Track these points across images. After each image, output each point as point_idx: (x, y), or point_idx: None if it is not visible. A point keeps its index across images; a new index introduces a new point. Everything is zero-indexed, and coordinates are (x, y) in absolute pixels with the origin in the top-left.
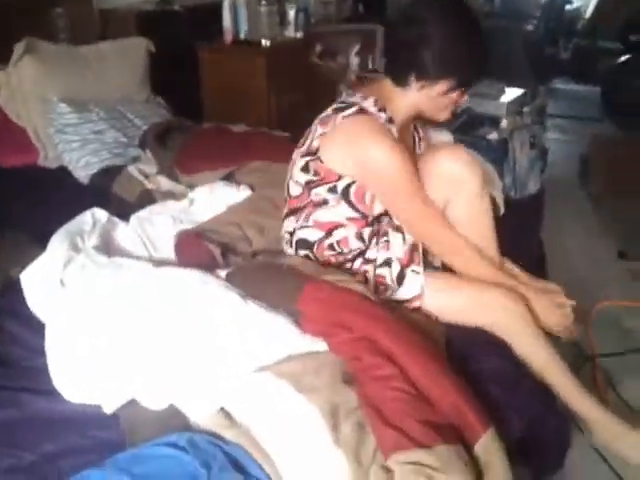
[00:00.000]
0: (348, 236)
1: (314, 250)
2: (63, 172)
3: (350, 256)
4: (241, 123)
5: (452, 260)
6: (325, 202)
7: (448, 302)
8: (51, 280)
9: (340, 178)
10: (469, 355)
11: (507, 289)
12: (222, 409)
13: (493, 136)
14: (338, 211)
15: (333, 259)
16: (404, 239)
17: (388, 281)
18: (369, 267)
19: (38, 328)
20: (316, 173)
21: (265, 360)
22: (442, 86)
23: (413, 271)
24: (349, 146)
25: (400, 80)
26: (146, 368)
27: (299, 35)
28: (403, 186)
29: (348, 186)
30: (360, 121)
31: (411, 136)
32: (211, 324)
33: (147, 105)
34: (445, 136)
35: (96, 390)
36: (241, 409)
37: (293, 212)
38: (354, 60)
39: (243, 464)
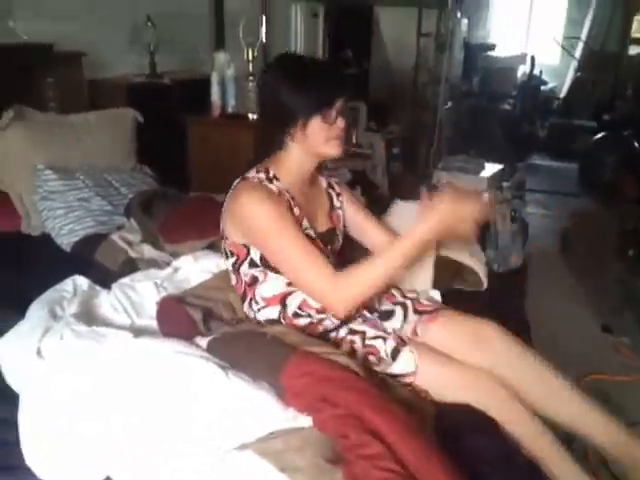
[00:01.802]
0: (304, 298)
1: (285, 324)
2: (46, 239)
3: (324, 316)
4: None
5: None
6: (255, 279)
7: (436, 378)
8: (28, 349)
9: (249, 250)
10: (458, 433)
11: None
12: None
13: None
14: (273, 282)
15: (312, 326)
16: (405, 317)
17: (382, 354)
18: (356, 338)
19: (10, 399)
20: (232, 253)
21: (246, 437)
22: (306, 124)
23: (409, 350)
24: (232, 213)
25: (279, 145)
26: (122, 445)
27: None
28: (273, 234)
29: (262, 255)
30: (238, 188)
31: (323, 192)
32: (190, 398)
33: (133, 174)
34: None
35: (71, 468)
36: None
37: (243, 299)
38: None
39: None
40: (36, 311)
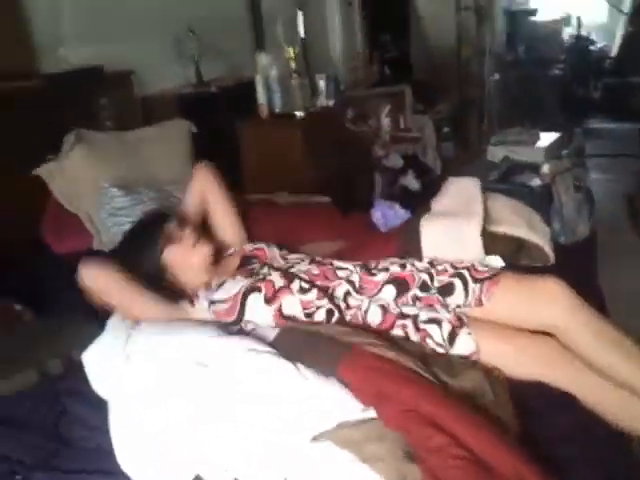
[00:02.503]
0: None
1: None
2: None
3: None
4: (281, 191)
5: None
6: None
7: (501, 356)
8: (115, 356)
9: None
10: (534, 412)
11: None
12: None
13: (535, 183)
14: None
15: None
16: (465, 288)
17: (438, 339)
18: (408, 322)
19: (99, 407)
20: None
21: (321, 428)
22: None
23: (466, 332)
24: None
25: None
26: (207, 443)
27: (331, 103)
28: None
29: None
30: None
31: None
32: (266, 395)
33: None
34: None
35: (162, 469)
36: None
37: None
38: (385, 121)
39: None
40: (116, 322)
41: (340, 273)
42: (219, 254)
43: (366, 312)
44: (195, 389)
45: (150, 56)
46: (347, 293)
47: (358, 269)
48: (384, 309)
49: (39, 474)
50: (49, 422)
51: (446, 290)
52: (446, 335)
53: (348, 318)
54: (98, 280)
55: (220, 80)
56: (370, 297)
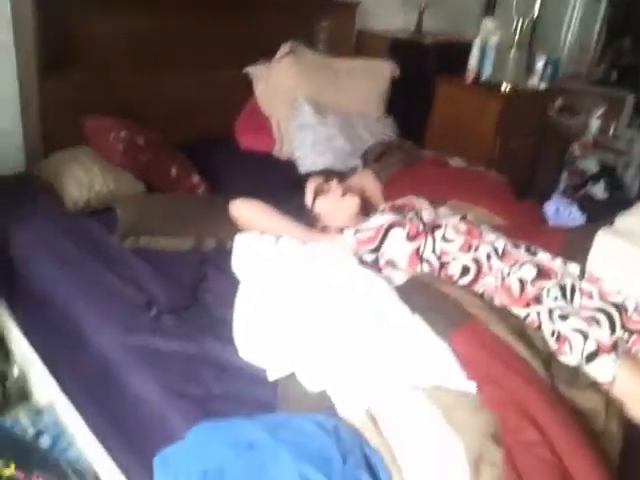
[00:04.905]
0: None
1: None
2: (290, 165)
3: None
4: (459, 158)
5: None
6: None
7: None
8: (262, 244)
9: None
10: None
11: None
12: (368, 412)
13: None
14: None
15: None
16: (612, 330)
17: (576, 350)
18: (543, 310)
19: (235, 285)
20: None
21: (422, 380)
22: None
23: (610, 359)
24: None
25: None
26: (309, 349)
27: (542, 86)
28: None
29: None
30: None
31: None
32: (379, 330)
33: (378, 123)
34: None
35: (264, 355)
36: (387, 419)
37: None
38: (594, 123)
39: (376, 471)
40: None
41: (487, 236)
42: (368, 206)
43: (504, 279)
44: (315, 294)
45: None
46: (489, 256)
47: (506, 240)
48: (522, 283)
49: (168, 318)
50: (190, 282)
51: (591, 321)
52: (588, 351)
53: (483, 281)
54: (241, 208)
55: (438, 35)
56: (510, 267)
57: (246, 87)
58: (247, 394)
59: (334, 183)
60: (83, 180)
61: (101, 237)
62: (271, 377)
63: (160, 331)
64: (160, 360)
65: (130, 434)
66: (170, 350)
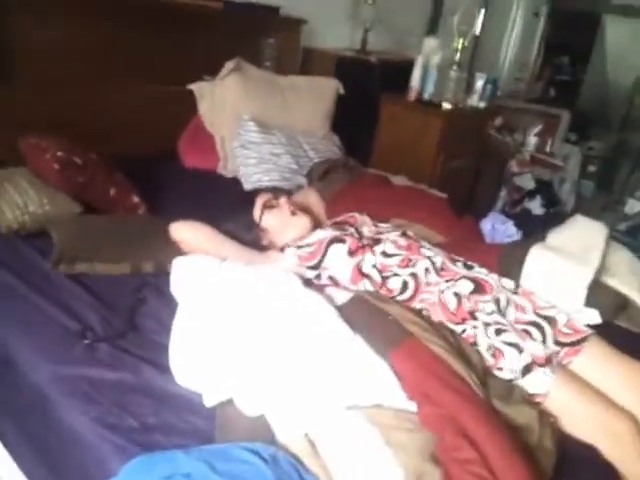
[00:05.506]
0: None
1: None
2: (235, 182)
3: None
4: (403, 176)
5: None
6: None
7: (573, 412)
8: (203, 268)
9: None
10: (572, 473)
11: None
12: (307, 436)
13: None
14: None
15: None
16: (544, 342)
17: (510, 364)
18: (479, 325)
19: (175, 310)
20: None
21: (363, 400)
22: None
23: (544, 372)
24: None
25: None
26: (247, 372)
27: (481, 105)
28: None
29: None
30: None
31: None
32: (319, 351)
33: (323, 140)
34: None
35: (201, 381)
36: (326, 443)
37: None
38: (532, 140)
39: None
40: None
41: (425, 251)
42: (314, 224)
43: (442, 293)
44: (255, 316)
45: (325, 11)
46: (427, 270)
47: (444, 255)
48: (458, 298)
49: (103, 346)
50: (127, 307)
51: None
52: (522, 365)
53: (421, 297)
54: (180, 231)
55: (382, 53)
56: (447, 282)
57: (190, 104)
58: (185, 424)
59: (283, 199)
60: (17, 201)
61: (35, 262)
62: (208, 403)
63: (95, 360)
64: (93, 391)
65: (68, 474)
66: (104, 380)
